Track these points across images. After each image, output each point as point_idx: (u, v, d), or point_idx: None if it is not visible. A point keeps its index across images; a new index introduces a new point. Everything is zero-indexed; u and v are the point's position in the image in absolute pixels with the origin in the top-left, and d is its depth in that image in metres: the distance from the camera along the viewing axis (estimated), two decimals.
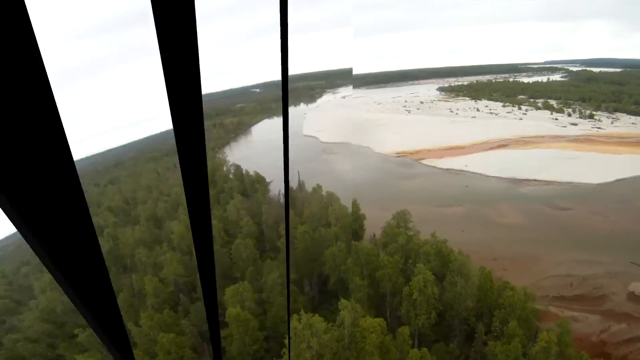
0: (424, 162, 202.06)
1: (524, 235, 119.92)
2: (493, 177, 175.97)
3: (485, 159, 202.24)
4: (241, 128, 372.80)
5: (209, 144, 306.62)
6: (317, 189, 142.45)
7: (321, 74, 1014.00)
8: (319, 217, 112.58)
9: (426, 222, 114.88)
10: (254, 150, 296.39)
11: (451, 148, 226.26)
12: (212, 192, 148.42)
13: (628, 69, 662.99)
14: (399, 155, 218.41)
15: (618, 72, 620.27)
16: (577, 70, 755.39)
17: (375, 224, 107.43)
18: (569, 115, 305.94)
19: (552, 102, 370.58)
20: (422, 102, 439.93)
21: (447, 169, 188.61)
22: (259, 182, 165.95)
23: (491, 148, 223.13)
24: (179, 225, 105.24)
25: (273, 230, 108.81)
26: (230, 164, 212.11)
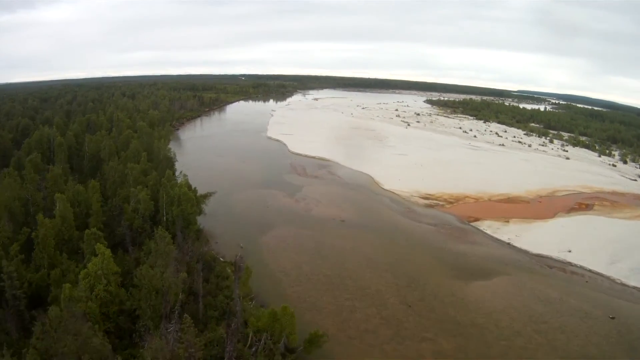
0: (482, 227, 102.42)
1: None
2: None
3: (585, 232, 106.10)
4: (216, 103, 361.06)
5: (179, 111, 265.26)
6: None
7: (295, 76, 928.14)
8: None
9: None
10: (219, 129, 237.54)
11: (509, 199, 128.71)
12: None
13: (615, 110, 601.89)
14: (429, 202, 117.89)
15: (609, 111, 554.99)
16: (562, 104, 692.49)
17: None
18: (624, 162, 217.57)
19: (583, 138, 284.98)
20: (418, 114, 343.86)
21: (539, 256, 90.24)
22: (190, 202, 75.85)
23: (573, 209, 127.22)
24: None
25: None
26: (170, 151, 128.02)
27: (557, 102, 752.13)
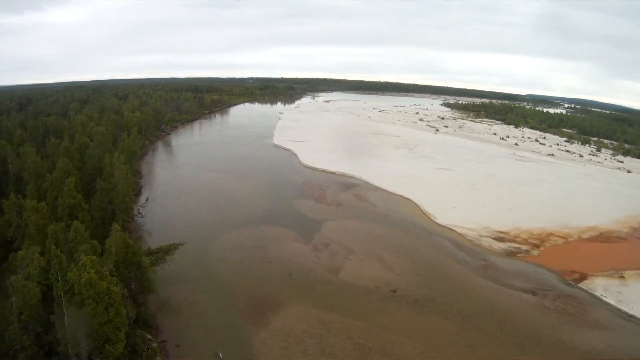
0: (598, 291, 64.93)
1: None
2: None
3: None
4: (218, 105, 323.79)
5: (172, 113, 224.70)
6: None
7: (303, 79, 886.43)
8: None
9: None
10: (217, 134, 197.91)
11: (602, 236, 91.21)
12: None
13: (637, 115, 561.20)
14: (507, 246, 79.48)
15: (633, 116, 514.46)
16: (579, 108, 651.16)
17: None
18: None
19: (628, 146, 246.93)
20: (442, 118, 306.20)
21: None
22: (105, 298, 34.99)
23: None
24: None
25: None
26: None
27: (572, 106, 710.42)
